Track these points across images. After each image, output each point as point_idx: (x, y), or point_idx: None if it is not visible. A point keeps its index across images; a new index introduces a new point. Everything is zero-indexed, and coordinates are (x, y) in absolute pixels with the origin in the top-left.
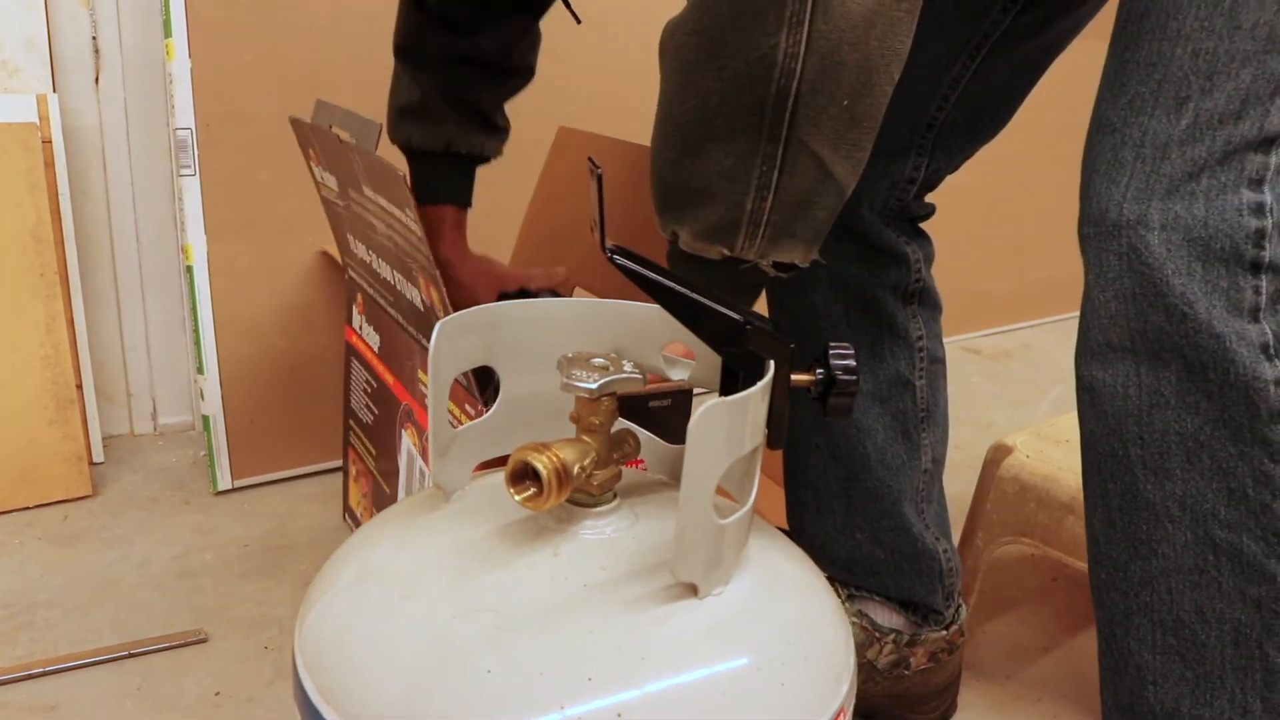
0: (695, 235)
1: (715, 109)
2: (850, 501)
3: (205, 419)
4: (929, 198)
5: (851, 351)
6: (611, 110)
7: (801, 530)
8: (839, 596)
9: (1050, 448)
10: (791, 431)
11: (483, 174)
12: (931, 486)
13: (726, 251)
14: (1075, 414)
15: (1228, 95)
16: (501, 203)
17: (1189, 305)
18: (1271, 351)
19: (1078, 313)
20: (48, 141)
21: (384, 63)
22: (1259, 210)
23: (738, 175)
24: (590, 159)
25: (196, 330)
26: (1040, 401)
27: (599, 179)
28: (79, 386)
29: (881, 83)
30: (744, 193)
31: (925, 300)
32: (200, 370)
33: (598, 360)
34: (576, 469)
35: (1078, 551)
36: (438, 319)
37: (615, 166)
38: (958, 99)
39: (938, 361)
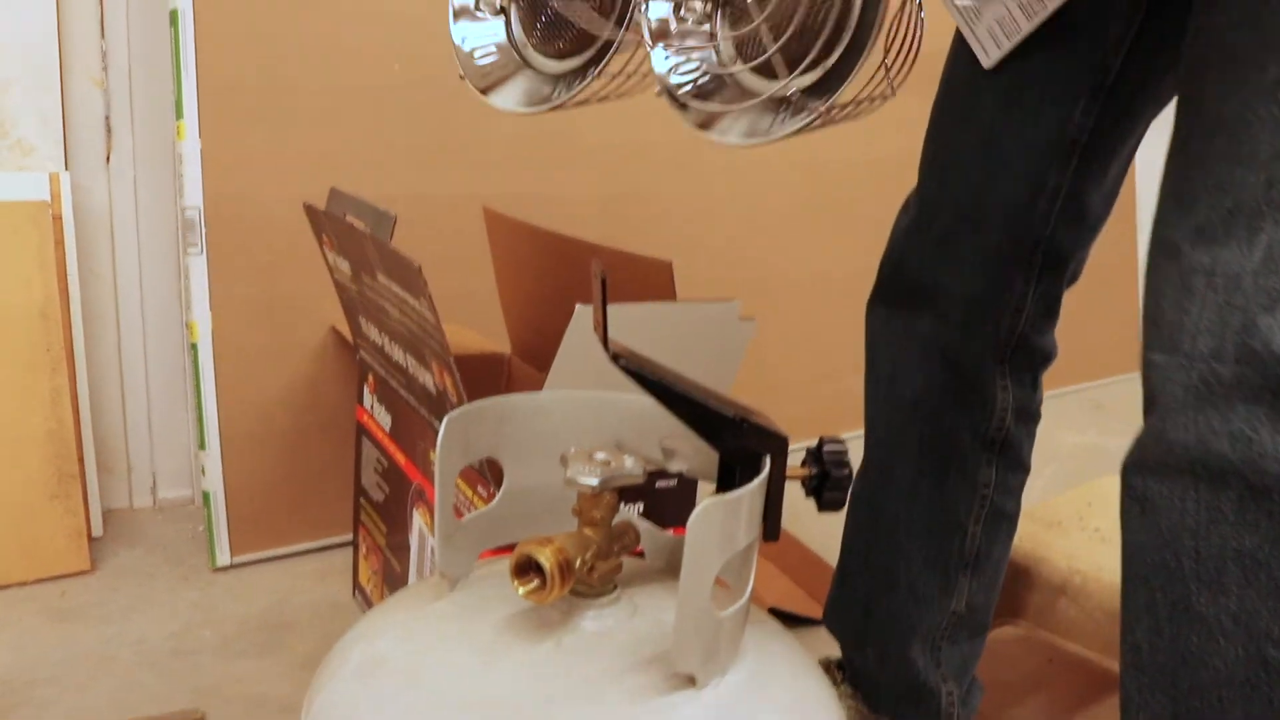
0: None
1: None
2: (870, 615)
3: (206, 495)
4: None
5: (845, 447)
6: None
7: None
8: (839, 679)
9: (1043, 530)
10: (856, 508)
11: (461, 251)
12: (959, 630)
13: None
14: (1067, 496)
15: None
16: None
17: (1254, 432)
18: None
19: (1071, 388)
20: (58, 218)
21: (391, 147)
22: None
23: None
24: (595, 261)
25: (199, 406)
26: (1034, 480)
27: (603, 283)
28: (81, 461)
29: None
30: None
31: (1007, 452)
32: (202, 446)
33: (600, 455)
34: (579, 563)
35: (1071, 634)
36: (450, 404)
37: (528, 250)
38: (1060, 209)
39: (1003, 516)
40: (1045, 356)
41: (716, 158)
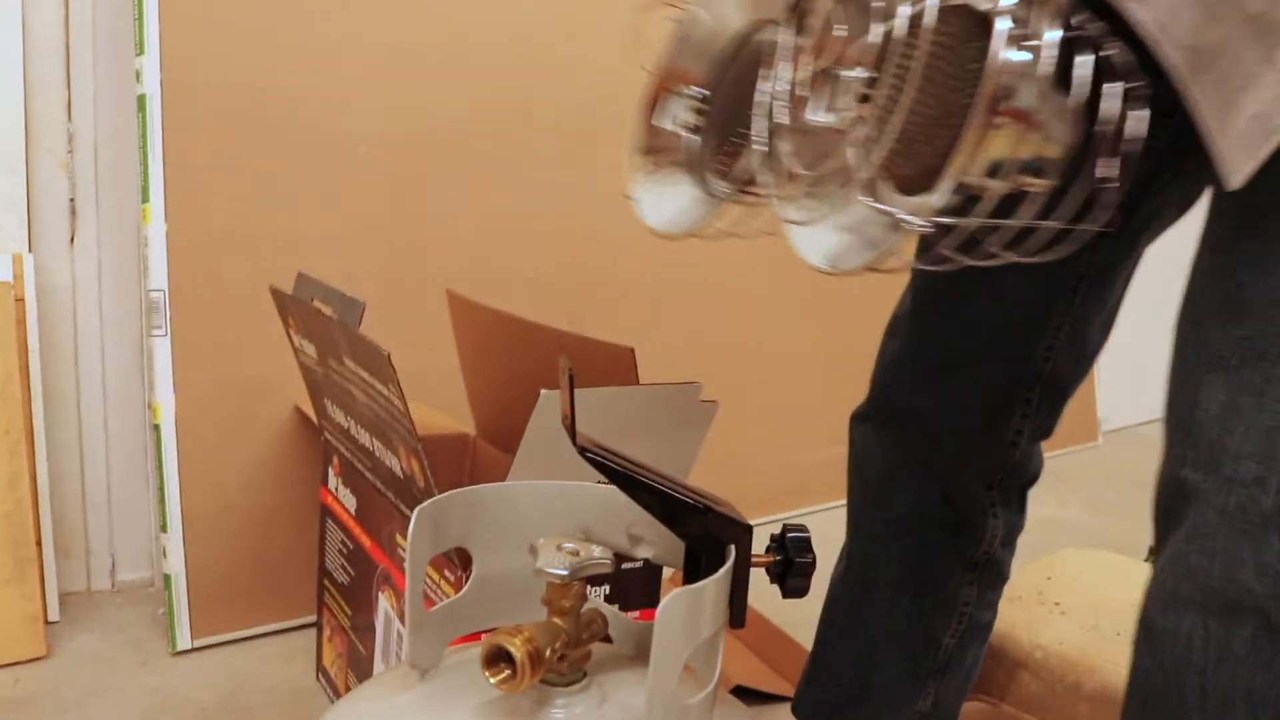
0: None
1: None
2: (838, 716)
3: (167, 577)
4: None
5: (807, 535)
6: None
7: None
8: None
9: (1004, 605)
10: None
11: (425, 329)
12: None
13: None
14: (1026, 571)
15: None
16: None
17: None
18: None
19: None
20: (20, 300)
21: (355, 230)
22: None
23: None
24: (562, 358)
25: (162, 487)
26: None
27: (570, 377)
28: (39, 544)
29: None
30: None
31: (989, 570)
32: (164, 527)
33: (568, 546)
34: (549, 652)
35: (1034, 708)
36: (417, 488)
37: (492, 334)
38: (1062, 343)
39: (979, 627)
40: (1034, 476)
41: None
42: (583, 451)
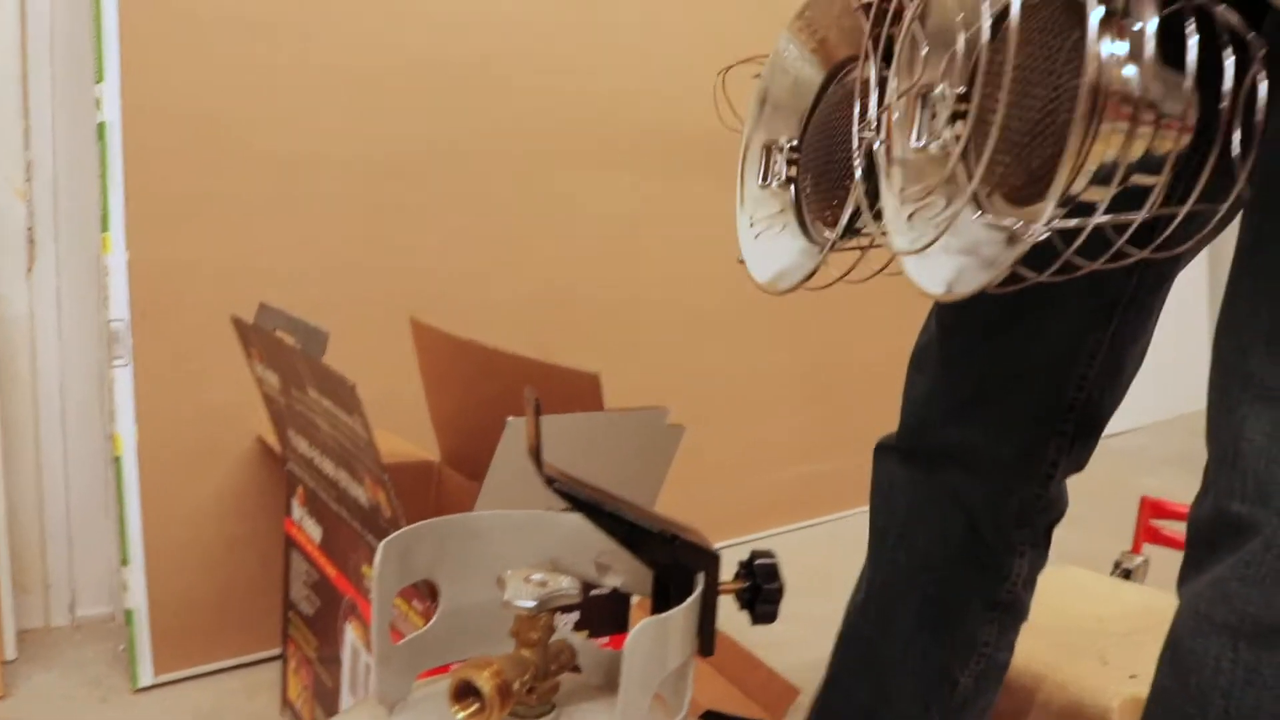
0: None
1: None
2: None
3: (129, 612)
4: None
5: (775, 561)
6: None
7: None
8: None
9: None
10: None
11: (388, 355)
12: None
13: None
14: None
15: None
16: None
17: None
18: None
19: None
20: None
21: (319, 258)
22: None
23: None
24: (527, 388)
25: (123, 520)
26: None
27: (536, 407)
28: None
29: None
30: None
31: (1011, 610)
32: (125, 561)
33: (536, 577)
34: (517, 684)
35: None
36: (383, 518)
37: (455, 362)
38: (1097, 372)
39: (997, 667)
40: (1061, 513)
41: (644, 259)
42: (549, 482)
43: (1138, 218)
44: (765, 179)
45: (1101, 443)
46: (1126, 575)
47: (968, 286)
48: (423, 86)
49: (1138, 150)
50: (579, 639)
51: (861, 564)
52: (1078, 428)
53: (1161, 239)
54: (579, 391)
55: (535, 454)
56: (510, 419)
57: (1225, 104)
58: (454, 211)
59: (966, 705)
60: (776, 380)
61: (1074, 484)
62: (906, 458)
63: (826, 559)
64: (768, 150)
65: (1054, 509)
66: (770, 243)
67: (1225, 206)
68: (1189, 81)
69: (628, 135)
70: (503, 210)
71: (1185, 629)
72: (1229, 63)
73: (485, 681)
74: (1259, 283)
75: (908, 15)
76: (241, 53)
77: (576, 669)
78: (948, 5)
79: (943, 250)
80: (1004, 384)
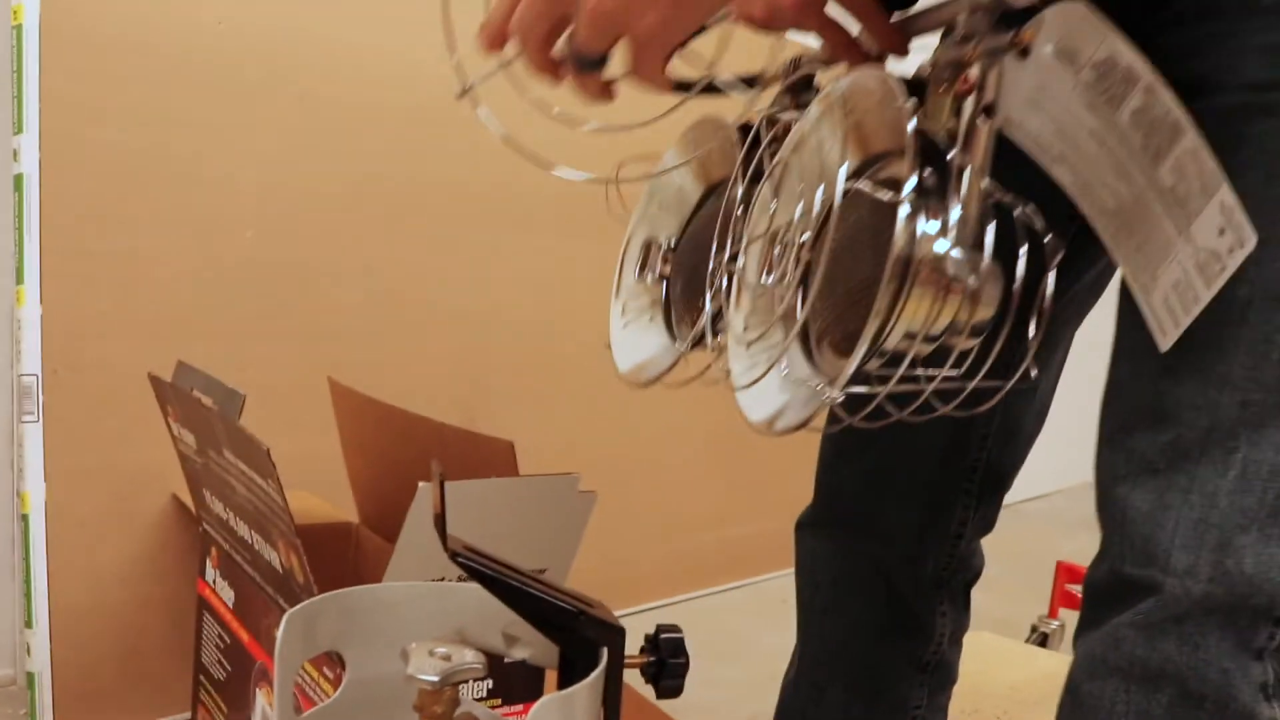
0: None
1: None
2: None
3: (31, 676)
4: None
5: (681, 636)
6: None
7: None
8: None
9: None
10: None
11: (306, 414)
12: None
13: None
14: None
15: (1275, 448)
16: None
17: (1203, 638)
18: (1270, 692)
19: None
20: None
21: (239, 314)
22: None
23: None
24: (434, 461)
25: (28, 580)
26: None
27: (441, 480)
28: None
29: None
30: None
31: (938, 672)
32: (29, 623)
33: (440, 650)
34: None
35: None
36: (296, 583)
37: (373, 424)
38: (995, 429)
39: None
40: (977, 573)
41: (564, 327)
42: (453, 556)
43: (927, 389)
44: (642, 273)
45: (1018, 506)
46: (1043, 640)
47: (787, 423)
48: (348, 143)
49: (945, 317)
50: (486, 710)
51: (781, 627)
52: (981, 487)
53: (958, 402)
54: (494, 458)
55: (440, 525)
56: (422, 484)
57: (1015, 289)
58: (380, 269)
59: None
60: (695, 444)
61: (991, 547)
62: (824, 531)
63: (747, 623)
64: (648, 246)
65: (968, 568)
66: (638, 334)
67: (1013, 381)
68: (986, 262)
69: (549, 197)
70: (429, 269)
71: (1082, 673)
72: (1021, 262)
73: None
74: (1134, 364)
75: (782, 150)
76: (163, 108)
77: None
78: (815, 146)
79: (774, 380)
80: (904, 450)
